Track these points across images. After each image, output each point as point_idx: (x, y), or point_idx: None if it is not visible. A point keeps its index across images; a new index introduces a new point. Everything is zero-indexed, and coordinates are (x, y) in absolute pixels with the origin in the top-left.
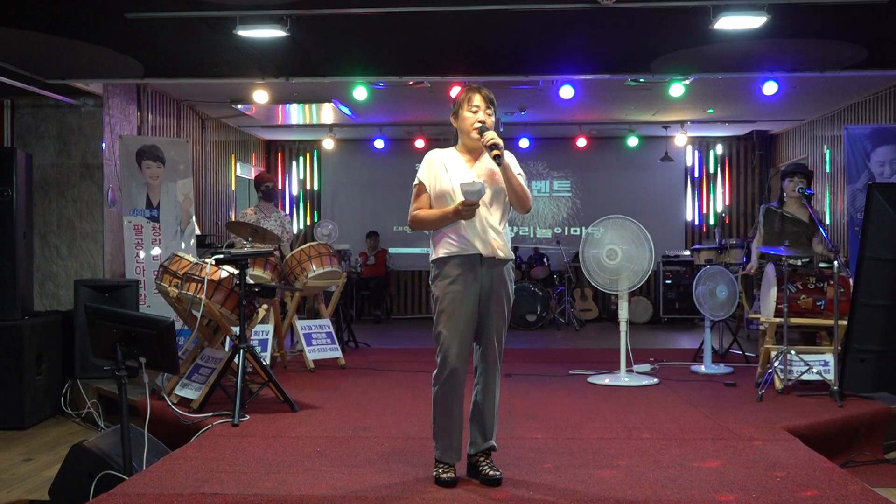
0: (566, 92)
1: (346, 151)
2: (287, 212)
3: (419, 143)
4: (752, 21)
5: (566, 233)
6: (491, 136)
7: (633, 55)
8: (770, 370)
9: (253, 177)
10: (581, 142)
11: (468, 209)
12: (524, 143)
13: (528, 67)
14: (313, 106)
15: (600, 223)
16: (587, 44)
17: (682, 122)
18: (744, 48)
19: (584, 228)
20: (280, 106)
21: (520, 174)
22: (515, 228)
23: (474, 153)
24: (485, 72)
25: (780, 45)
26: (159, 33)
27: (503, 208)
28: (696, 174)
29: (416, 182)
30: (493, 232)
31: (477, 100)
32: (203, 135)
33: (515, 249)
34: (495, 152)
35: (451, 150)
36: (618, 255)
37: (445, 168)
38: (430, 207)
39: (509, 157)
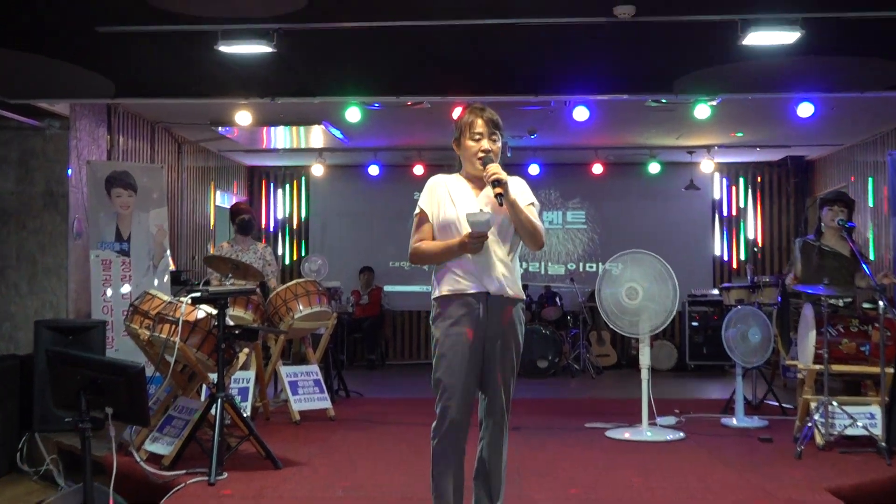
0: (580, 113)
1: (337, 179)
2: (271, 244)
3: (418, 170)
4: (784, 36)
5: (581, 269)
6: (494, 170)
7: (654, 73)
8: (810, 424)
9: (234, 203)
10: (597, 168)
11: (475, 242)
12: (534, 169)
13: (539, 86)
14: (301, 128)
15: (619, 259)
16: (603, 61)
17: (708, 147)
18: (776, 66)
19: (600, 264)
20: (265, 129)
21: (532, 204)
22: (525, 264)
23: (480, 180)
24: (490, 91)
25: (816, 62)
26: (133, 49)
27: (513, 241)
28: (725, 204)
29: (416, 211)
30: (501, 267)
31: (479, 126)
32: (179, 160)
33: (525, 288)
34: (497, 190)
35: (456, 176)
36: (638, 294)
37: (450, 195)
38: (433, 239)
39: (519, 185)
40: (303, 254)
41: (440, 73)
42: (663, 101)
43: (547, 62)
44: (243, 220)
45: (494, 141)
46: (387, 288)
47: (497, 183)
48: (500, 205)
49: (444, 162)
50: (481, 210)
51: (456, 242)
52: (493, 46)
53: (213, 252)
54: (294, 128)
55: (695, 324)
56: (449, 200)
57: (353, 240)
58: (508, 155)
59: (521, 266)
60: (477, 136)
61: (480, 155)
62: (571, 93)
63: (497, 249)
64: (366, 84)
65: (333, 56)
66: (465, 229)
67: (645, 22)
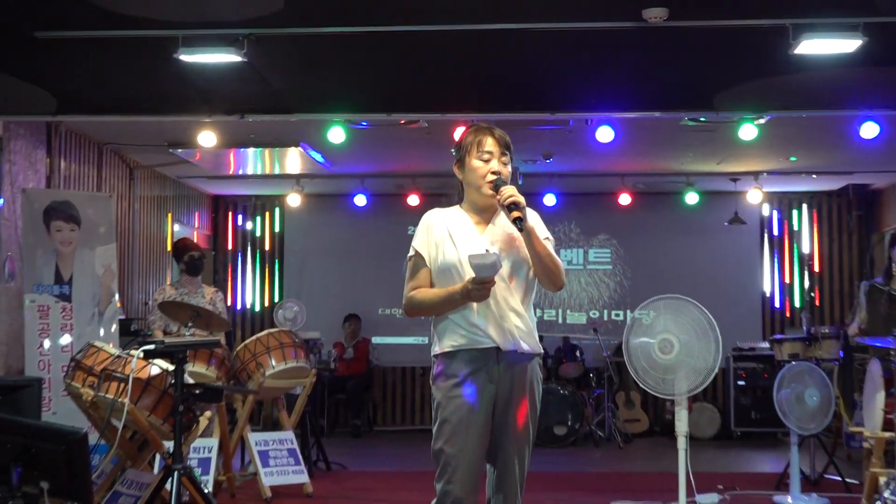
0: (605, 134)
1: (317, 210)
2: (226, 288)
3: (413, 200)
4: (843, 44)
5: (606, 318)
6: (510, 192)
7: (691, 87)
8: (879, 502)
9: (196, 241)
10: (624, 199)
11: (480, 288)
12: (550, 200)
13: (555, 102)
14: (275, 151)
15: (651, 305)
16: (631, 72)
17: (755, 174)
18: (834, 79)
19: (628, 312)
20: (232, 151)
21: (547, 238)
22: (539, 312)
23: (486, 213)
24: (499, 108)
25: (882, 74)
26: (78, 58)
27: (527, 285)
28: (776, 241)
29: (410, 253)
30: (514, 316)
31: (489, 144)
32: (131, 188)
33: (540, 339)
34: (515, 214)
35: (456, 209)
36: (674, 347)
37: (449, 234)
38: (432, 286)
39: (533, 217)
40: (276, 299)
41: (439, 87)
42: (702, 119)
43: (565, 74)
44: (193, 259)
45: (505, 164)
46: (376, 340)
47: (515, 206)
48: (521, 230)
49: (443, 191)
50: (487, 251)
51: (458, 290)
52: (502, 55)
53: (153, 297)
54: (267, 150)
55: (741, 383)
56: (449, 240)
57: (336, 282)
58: (520, 183)
59: (535, 314)
60: (486, 156)
61: (491, 177)
62: (594, 110)
63: (508, 296)
64: (352, 99)
65: (314, 66)
66: (469, 274)
67: (679, 27)
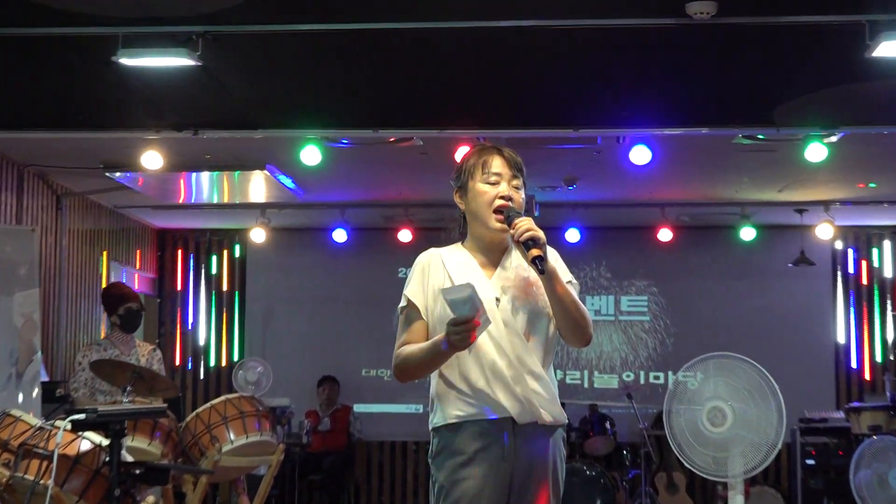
0: (640, 155)
1: (286, 248)
2: (166, 345)
3: (405, 236)
4: None
5: (642, 381)
6: (526, 224)
7: (745, 98)
8: None
9: (134, 288)
10: (665, 234)
11: (458, 331)
12: (573, 235)
13: (580, 116)
14: (236, 176)
15: (697, 366)
16: (673, 80)
17: (825, 204)
18: None
19: (670, 374)
20: (183, 176)
21: (570, 283)
22: (560, 373)
23: (495, 252)
24: (510, 123)
25: None
26: None
27: (547, 341)
28: (852, 285)
29: (402, 303)
30: (531, 380)
31: (497, 164)
32: (59, 220)
33: (563, 406)
34: (534, 252)
35: (457, 248)
36: (727, 417)
37: (450, 279)
38: (427, 341)
39: (551, 257)
40: (235, 357)
41: (438, 97)
42: (759, 137)
43: (591, 81)
44: (130, 312)
45: (517, 189)
46: (358, 408)
47: (533, 243)
48: (541, 272)
49: (442, 224)
50: (462, 284)
51: (440, 340)
52: (514, 59)
53: (78, 359)
54: (225, 175)
55: (810, 461)
56: (448, 282)
57: (310, 337)
58: (536, 214)
59: (556, 376)
60: (493, 179)
61: (499, 203)
62: (627, 125)
63: (525, 355)
64: (330, 112)
65: (284, 72)
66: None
67: (731, 25)
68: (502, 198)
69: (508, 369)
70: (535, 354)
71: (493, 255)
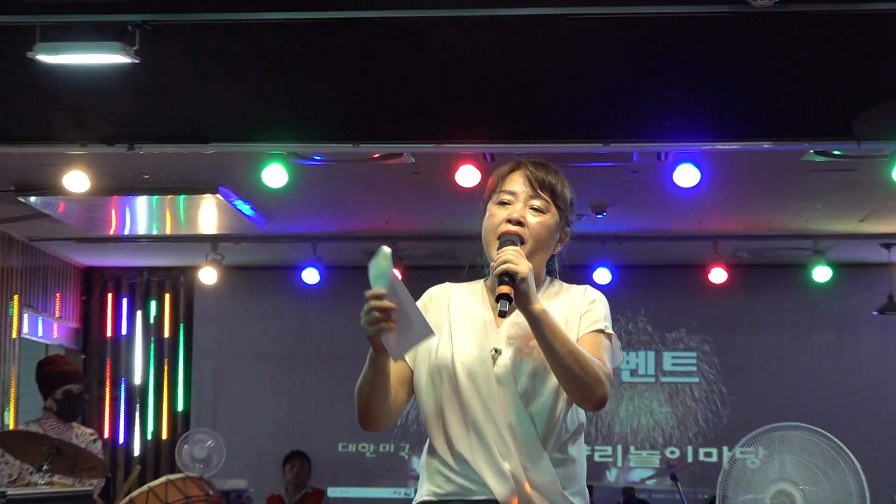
0: (686, 176)
1: (244, 291)
2: (100, 426)
3: None
4: None
5: (690, 458)
6: (505, 255)
7: (818, 105)
8: None
9: (50, 358)
10: (717, 275)
11: (368, 312)
12: (602, 276)
13: (611, 128)
14: (181, 201)
15: (759, 439)
16: (726, 82)
17: None
18: None
19: (725, 449)
20: (114, 201)
21: (601, 331)
22: (587, 448)
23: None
24: (525, 136)
25: None
26: None
27: (553, 409)
28: None
29: None
30: (525, 457)
31: (514, 180)
32: None
33: (589, 491)
34: (502, 289)
35: (475, 284)
36: (795, 501)
37: (448, 319)
38: (413, 391)
39: (593, 300)
40: (180, 428)
41: (434, 104)
42: (835, 153)
43: (626, 85)
44: (70, 395)
45: (538, 212)
46: (333, 492)
47: (508, 278)
48: (501, 314)
49: (439, 261)
50: (384, 249)
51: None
52: (528, 57)
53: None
54: (168, 200)
55: None
56: (446, 329)
57: (274, 402)
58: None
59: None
60: (506, 198)
61: (504, 228)
62: (670, 139)
63: (520, 423)
64: (299, 122)
65: (242, 72)
66: (465, 379)
67: (799, 13)
68: (510, 220)
69: (496, 439)
70: (535, 424)
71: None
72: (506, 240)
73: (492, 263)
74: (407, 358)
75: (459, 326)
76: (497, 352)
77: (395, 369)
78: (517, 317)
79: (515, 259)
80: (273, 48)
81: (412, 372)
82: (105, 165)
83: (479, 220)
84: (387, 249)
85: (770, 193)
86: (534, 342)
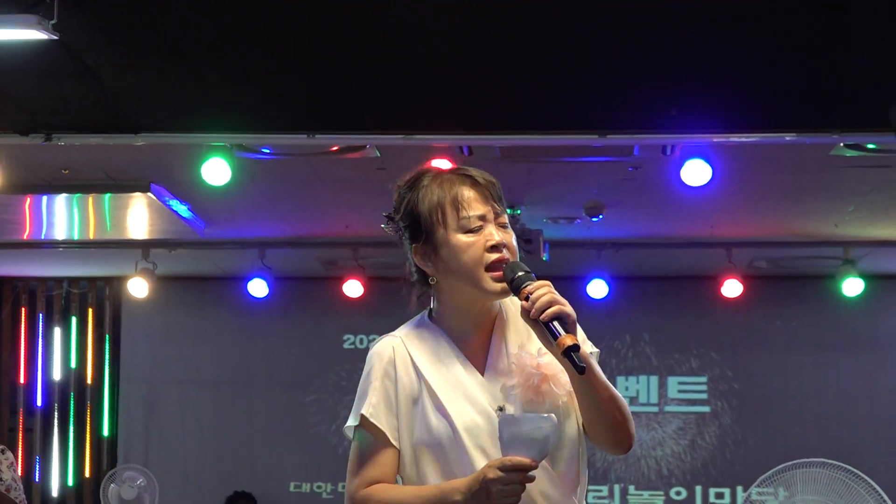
0: (696, 173)
1: (180, 305)
2: (14, 449)
3: (352, 289)
4: None
5: (698, 499)
6: (545, 295)
7: (849, 91)
8: None
9: None
10: (731, 287)
11: (507, 480)
12: (598, 288)
13: (609, 116)
14: (106, 200)
15: (779, 477)
16: (744, 64)
17: None
18: None
19: (739, 490)
20: (28, 200)
21: (591, 353)
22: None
23: (482, 326)
24: (506, 125)
25: None
26: None
27: (578, 460)
28: None
29: (353, 422)
30: None
31: (474, 200)
32: None
33: None
34: (567, 341)
35: (422, 329)
36: None
37: (425, 381)
38: (404, 478)
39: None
40: (105, 465)
41: (402, 88)
42: (869, 146)
43: (626, 68)
44: None
45: (505, 228)
46: None
47: (560, 323)
48: (580, 372)
49: (406, 272)
50: (551, 417)
51: (460, 486)
52: (512, 33)
53: None
54: (91, 198)
55: None
56: (427, 397)
57: (215, 435)
58: (544, 258)
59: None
60: (476, 224)
61: (495, 257)
62: (677, 130)
63: (551, 486)
64: (244, 109)
65: (177, 51)
66: (481, 450)
67: None
68: (494, 247)
69: None
70: (564, 486)
71: (481, 334)
72: (519, 271)
73: (526, 307)
74: (389, 436)
75: (445, 391)
76: (501, 410)
77: (390, 459)
78: (500, 360)
79: (560, 297)
80: (214, 23)
81: (399, 452)
82: (18, 159)
83: (415, 249)
84: (552, 417)
85: (793, 194)
86: (534, 389)
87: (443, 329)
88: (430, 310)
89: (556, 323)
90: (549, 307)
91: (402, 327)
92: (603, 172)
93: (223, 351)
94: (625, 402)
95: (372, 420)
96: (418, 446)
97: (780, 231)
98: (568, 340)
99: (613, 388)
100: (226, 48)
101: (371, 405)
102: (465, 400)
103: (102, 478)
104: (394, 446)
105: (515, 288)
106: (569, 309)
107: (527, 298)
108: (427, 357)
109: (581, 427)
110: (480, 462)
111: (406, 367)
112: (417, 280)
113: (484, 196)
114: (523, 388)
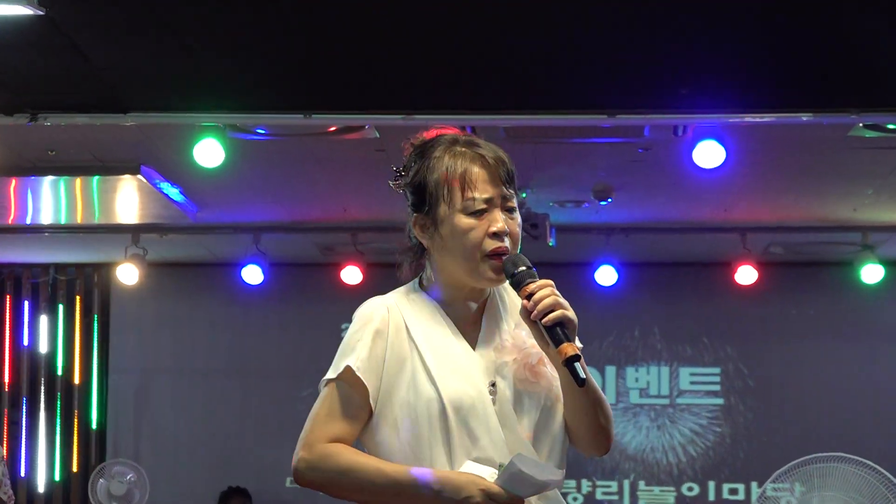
0: (709, 155)
1: (172, 292)
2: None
3: (351, 276)
4: None
5: (712, 495)
6: (547, 298)
7: (868, 69)
8: None
9: None
10: (746, 274)
11: None
12: (607, 275)
13: (617, 95)
14: (95, 183)
15: (795, 473)
16: (758, 42)
17: None
18: None
19: (754, 486)
20: (13, 183)
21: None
22: (588, 484)
23: (475, 301)
24: (511, 105)
25: None
26: None
27: (562, 448)
28: None
29: (331, 375)
30: None
31: (482, 181)
32: None
33: None
34: (568, 350)
35: (416, 297)
36: None
37: (417, 348)
38: (376, 446)
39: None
40: (94, 459)
41: (402, 66)
42: (889, 127)
43: (635, 44)
44: None
45: (512, 214)
46: None
47: (561, 329)
48: (581, 385)
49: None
50: (546, 466)
51: (432, 480)
52: (517, 11)
53: None
54: (78, 181)
55: None
56: (419, 360)
57: (207, 428)
58: (551, 243)
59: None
60: (480, 206)
61: (494, 246)
62: (689, 109)
63: (554, 461)
64: (238, 88)
65: (168, 27)
66: (457, 423)
67: None
68: (495, 234)
69: None
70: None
71: (474, 308)
72: (520, 265)
73: (528, 307)
74: (371, 393)
75: (436, 361)
76: (493, 386)
77: (360, 417)
78: (493, 337)
79: (563, 300)
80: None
81: (371, 416)
82: (2, 139)
83: (419, 219)
84: (556, 470)
85: (810, 177)
86: (530, 369)
87: (434, 299)
88: (421, 277)
89: (557, 328)
90: (552, 311)
91: (392, 293)
92: (612, 154)
93: (216, 340)
94: (609, 405)
95: (358, 374)
96: (396, 413)
97: (796, 215)
98: (570, 350)
99: (600, 390)
100: (219, 23)
101: (359, 359)
102: (457, 371)
103: (91, 472)
104: (368, 408)
105: (516, 284)
106: (571, 314)
107: (528, 297)
108: (420, 324)
109: (561, 422)
110: (457, 441)
111: (399, 331)
112: (414, 247)
113: (493, 177)
114: (519, 366)
